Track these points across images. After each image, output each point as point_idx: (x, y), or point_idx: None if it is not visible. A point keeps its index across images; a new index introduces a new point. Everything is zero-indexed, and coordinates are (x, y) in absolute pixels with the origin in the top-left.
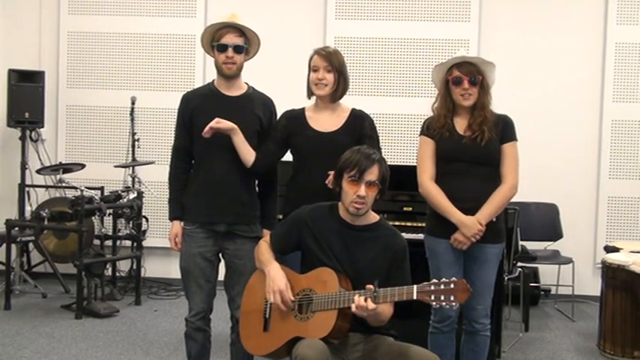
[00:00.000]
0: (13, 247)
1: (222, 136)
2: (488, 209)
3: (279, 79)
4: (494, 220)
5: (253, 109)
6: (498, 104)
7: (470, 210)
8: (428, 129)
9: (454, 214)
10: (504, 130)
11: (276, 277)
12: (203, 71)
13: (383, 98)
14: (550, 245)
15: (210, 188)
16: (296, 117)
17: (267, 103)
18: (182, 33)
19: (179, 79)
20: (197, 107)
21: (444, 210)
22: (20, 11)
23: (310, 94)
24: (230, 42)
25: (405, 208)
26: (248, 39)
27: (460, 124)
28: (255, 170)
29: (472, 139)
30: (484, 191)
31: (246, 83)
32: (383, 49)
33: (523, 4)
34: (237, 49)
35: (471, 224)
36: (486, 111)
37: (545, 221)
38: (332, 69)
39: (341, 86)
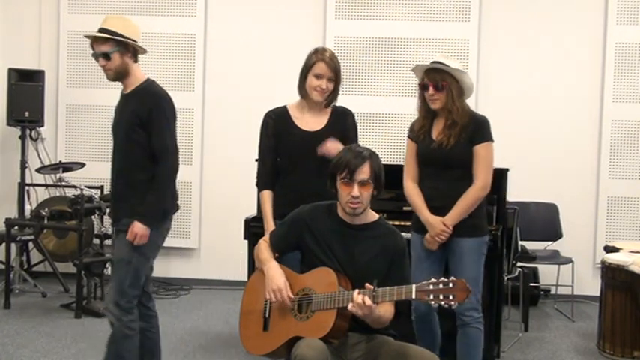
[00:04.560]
0: (13, 246)
1: (116, 132)
2: (455, 211)
3: (280, 78)
4: (469, 216)
5: (131, 106)
6: (498, 104)
7: (439, 208)
8: (411, 131)
9: (423, 213)
10: (475, 132)
11: (275, 276)
12: (203, 70)
13: (383, 98)
14: (550, 245)
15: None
16: (281, 116)
17: (146, 97)
18: (182, 32)
19: (179, 78)
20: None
21: (416, 209)
22: (20, 10)
23: (304, 94)
24: (97, 51)
25: (404, 208)
26: (121, 41)
27: (437, 128)
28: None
29: (439, 144)
30: (453, 191)
31: (147, 78)
32: (383, 48)
33: (523, 3)
34: (105, 57)
35: (435, 224)
36: (455, 115)
37: (544, 221)
38: (335, 78)
39: (337, 92)
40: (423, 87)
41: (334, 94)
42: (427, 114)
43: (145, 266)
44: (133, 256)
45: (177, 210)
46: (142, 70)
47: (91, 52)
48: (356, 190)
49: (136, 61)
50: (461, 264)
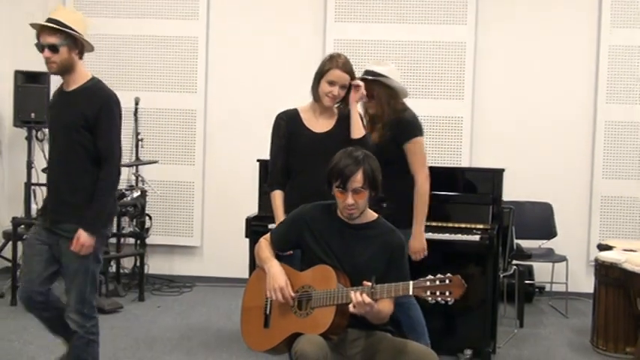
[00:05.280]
0: (20, 244)
1: (56, 132)
2: (415, 217)
3: (280, 81)
4: (401, 211)
5: (77, 105)
6: (494, 105)
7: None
8: None
9: None
10: (398, 131)
11: (276, 275)
12: (205, 72)
13: None
14: (544, 243)
15: (47, 185)
16: (293, 118)
17: (93, 97)
18: (185, 35)
19: (182, 80)
20: (50, 105)
21: None
22: (26, 13)
23: (316, 98)
24: (44, 42)
25: None
26: (70, 34)
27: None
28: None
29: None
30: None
31: (93, 76)
32: (382, 51)
33: (519, 6)
34: (52, 49)
35: None
36: (380, 118)
37: (539, 220)
38: (347, 85)
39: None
40: None
41: (344, 98)
42: (369, 118)
43: (99, 269)
44: (89, 263)
45: (117, 212)
46: (145, 72)
47: (35, 41)
48: (350, 199)
49: (81, 57)
50: None
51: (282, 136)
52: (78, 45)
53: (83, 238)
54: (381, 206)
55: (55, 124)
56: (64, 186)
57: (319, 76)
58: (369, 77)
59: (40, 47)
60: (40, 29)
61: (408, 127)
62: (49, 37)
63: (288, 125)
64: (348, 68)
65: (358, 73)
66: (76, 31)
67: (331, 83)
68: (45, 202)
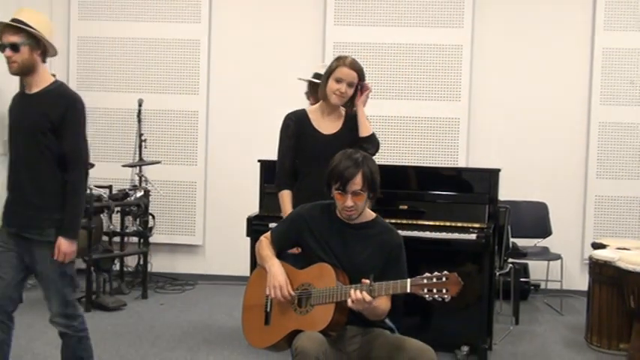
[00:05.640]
0: None
1: (18, 134)
2: None
3: (280, 82)
4: None
5: (41, 108)
6: (491, 107)
7: None
8: None
9: None
10: None
11: (276, 273)
12: (207, 74)
13: (380, 101)
14: (540, 242)
15: (9, 189)
16: (301, 118)
17: (59, 99)
18: (187, 38)
19: (184, 82)
20: (10, 107)
21: None
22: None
23: (324, 97)
24: (5, 41)
25: (400, 207)
26: (33, 34)
27: None
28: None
29: None
30: None
31: (56, 79)
32: (380, 54)
33: (515, 10)
34: (13, 47)
35: None
36: None
37: (535, 219)
38: (355, 84)
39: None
40: None
41: (352, 98)
42: None
43: (73, 268)
44: (65, 266)
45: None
46: (148, 74)
47: None
48: (349, 201)
49: (44, 60)
50: None
51: (290, 136)
52: (40, 46)
53: (64, 246)
54: None
55: (17, 126)
56: (31, 189)
57: (327, 74)
58: (315, 80)
59: (2, 47)
60: (3, 29)
61: None
62: (10, 37)
63: (296, 126)
64: (355, 67)
65: None
66: (38, 32)
67: (339, 81)
68: (7, 207)
